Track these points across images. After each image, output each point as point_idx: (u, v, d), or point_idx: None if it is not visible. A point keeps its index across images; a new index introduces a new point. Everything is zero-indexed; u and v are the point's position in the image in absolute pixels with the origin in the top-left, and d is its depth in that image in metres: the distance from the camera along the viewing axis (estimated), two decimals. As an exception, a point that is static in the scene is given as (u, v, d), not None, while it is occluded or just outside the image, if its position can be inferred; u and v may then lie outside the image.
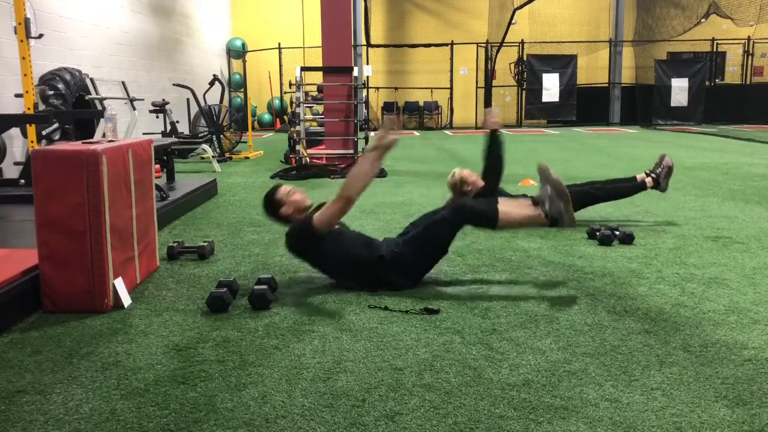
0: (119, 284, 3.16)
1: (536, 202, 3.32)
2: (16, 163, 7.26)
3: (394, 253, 3.33)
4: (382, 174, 7.82)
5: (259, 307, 3.08)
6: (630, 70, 19.68)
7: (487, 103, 19.00)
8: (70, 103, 7.91)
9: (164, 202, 5.26)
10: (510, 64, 18.84)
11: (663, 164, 4.86)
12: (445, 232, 3.37)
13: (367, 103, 17.13)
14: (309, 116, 12.99)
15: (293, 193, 3.51)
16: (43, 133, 6.42)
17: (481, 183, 4.46)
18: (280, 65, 18.26)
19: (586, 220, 5.01)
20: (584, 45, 19.31)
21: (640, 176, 4.91)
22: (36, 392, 2.26)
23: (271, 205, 3.52)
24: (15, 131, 7.63)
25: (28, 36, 5.47)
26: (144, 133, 9.25)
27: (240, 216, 5.56)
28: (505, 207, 3.33)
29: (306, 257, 3.44)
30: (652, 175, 4.85)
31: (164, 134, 9.67)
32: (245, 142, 11.92)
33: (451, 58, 19.01)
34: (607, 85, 19.49)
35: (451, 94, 19.26)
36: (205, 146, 9.70)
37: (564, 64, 18.87)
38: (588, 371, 2.37)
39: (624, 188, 4.93)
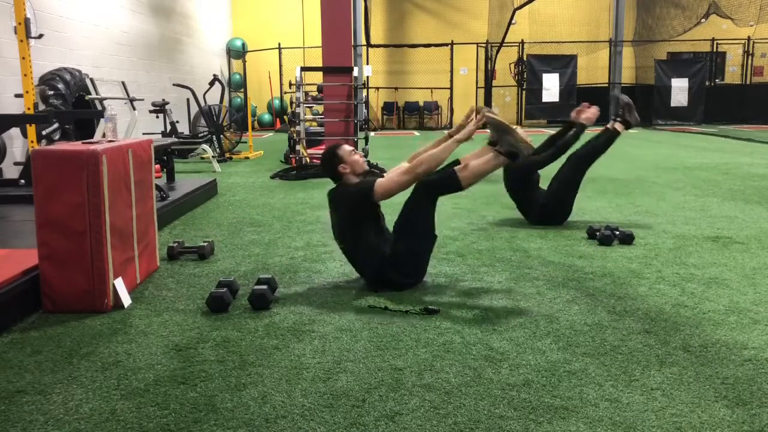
0: (119, 284, 3.16)
1: (491, 143, 3.46)
2: (16, 163, 7.26)
3: (392, 249, 3.36)
4: (382, 173, 7.81)
5: (259, 307, 3.08)
6: (630, 70, 19.67)
7: (487, 103, 18.99)
8: (70, 103, 7.91)
9: (164, 202, 5.26)
10: (510, 64, 18.84)
11: (621, 104, 5.05)
12: (420, 211, 3.40)
13: (367, 103, 17.12)
14: (309, 116, 12.99)
15: (353, 153, 3.50)
16: (43, 133, 6.41)
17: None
18: (280, 65, 18.26)
19: (586, 221, 5.02)
20: (584, 45, 19.30)
21: (609, 125, 5.02)
22: (36, 392, 2.26)
23: (333, 160, 3.49)
24: (15, 131, 7.63)
25: (28, 36, 5.47)
26: (144, 133, 9.24)
27: (240, 216, 5.56)
28: (461, 164, 3.41)
29: (342, 215, 3.44)
30: (617, 119, 5.00)
31: (164, 134, 9.67)
32: (245, 142, 11.92)
33: (451, 58, 19.00)
34: (607, 85, 19.49)
35: (451, 94, 19.26)
36: (205, 146, 9.70)
37: (564, 64, 18.86)
38: (588, 371, 2.37)
39: (600, 143, 5.01)
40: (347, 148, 3.52)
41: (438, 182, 3.40)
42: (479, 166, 3.39)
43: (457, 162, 3.45)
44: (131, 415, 2.09)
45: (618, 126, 4.97)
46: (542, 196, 5.00)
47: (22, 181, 5.71)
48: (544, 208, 4.93)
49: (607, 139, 4.99)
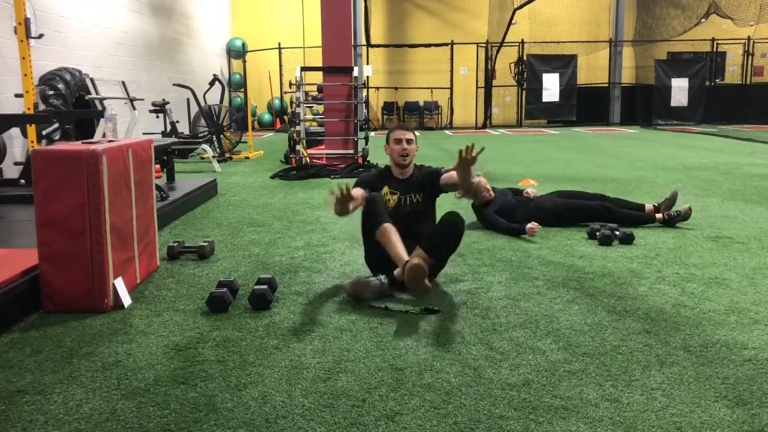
0: (119, 284, 3.16)
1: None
2: (16, 163, 7.25)
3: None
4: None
5: (259, 307, 3.08)
6: (630, 70, 19.68)
7: (487, 102, 18.99)
8: (70, 103, 7.91)
9: (164, 202, 5.26)
10: (510, 64, 18.84)
11: (681, 212, 4.86)
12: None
13: (367, 103, 17.13)
14: (309, 116, 12.99)
15: (398, 143, 3.49)
16: (43, 133, 6.41)
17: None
18: (280, 65, 18.26)
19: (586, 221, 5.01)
20: (584, 45, 19.31)
21: (649, 207, 4.94)
22: (36, 392, 2.26)
23: (387, 134, 3.58)
24: (15, 131, 7.63)
25: (28, 36, 5.47)
26: (144, 133, 9.24)
27: (240, 216, 5.56)
28: None
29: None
30: (666, 215, 4.88)
31: (164, 134, 9.67)
32: (245, 142, 11.92)
33: (451, 58, 19.00)
34: (607, 85, 19.49)
35: (452, 94, 19.26)
36: (205, 146, 9.70)
37: (564, 64, 18.87)
38: (588, 371, 2.37)
39: (633, 217, 4.89)
40: (399, 134, 3.50)
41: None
42: None
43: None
44: (131, 415, 2.09)
45: (659, 217, 4.87)
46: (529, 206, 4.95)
47: (22, 181, 5.71)
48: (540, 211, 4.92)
49: (641, 219, 4.87)
